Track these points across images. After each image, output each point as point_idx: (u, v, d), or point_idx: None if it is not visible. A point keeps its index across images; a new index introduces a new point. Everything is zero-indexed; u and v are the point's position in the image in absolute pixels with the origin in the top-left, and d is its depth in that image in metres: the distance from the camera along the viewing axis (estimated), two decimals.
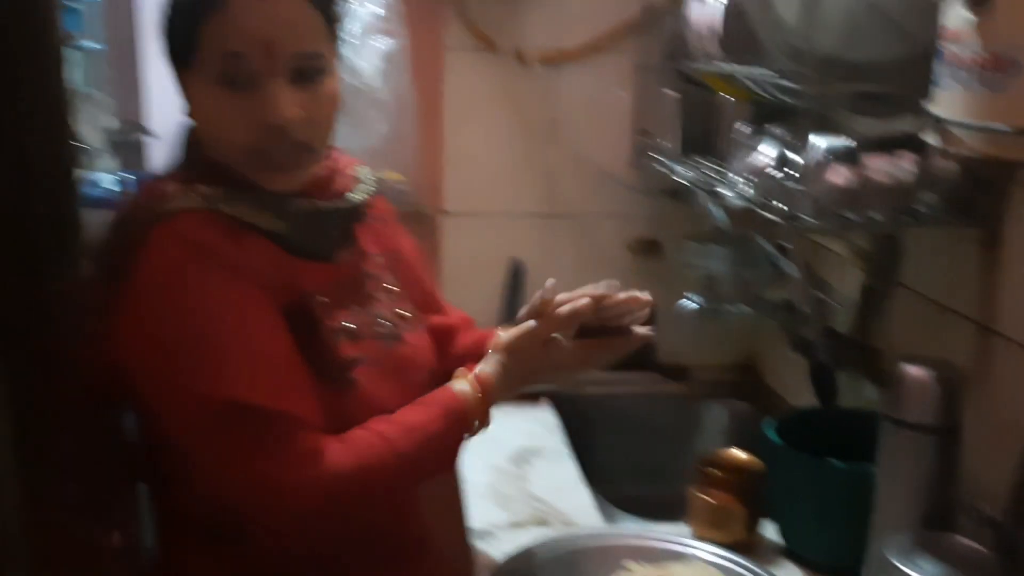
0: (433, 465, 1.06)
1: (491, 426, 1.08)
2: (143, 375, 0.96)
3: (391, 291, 1.16)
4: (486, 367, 1.08)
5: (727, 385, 2.27)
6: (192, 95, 1.01)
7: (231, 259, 0.97)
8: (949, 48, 1.03)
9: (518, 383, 1.10)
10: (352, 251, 1.12)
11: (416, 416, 1.03)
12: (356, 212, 1.12)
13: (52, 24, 1.53)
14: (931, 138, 1.10)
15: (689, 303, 1.99)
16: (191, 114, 1.03)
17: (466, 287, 2.16)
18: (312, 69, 0.99)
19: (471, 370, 1.08)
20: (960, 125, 1.02)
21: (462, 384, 1.07)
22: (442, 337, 1.26)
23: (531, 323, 1.10)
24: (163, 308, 0.95)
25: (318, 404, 0.98)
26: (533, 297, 1.13)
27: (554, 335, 1.10)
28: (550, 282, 1.13)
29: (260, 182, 1.02)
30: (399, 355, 1.11)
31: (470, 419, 1.05)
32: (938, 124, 1.07)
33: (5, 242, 1.49)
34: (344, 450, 0.96)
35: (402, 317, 1.15)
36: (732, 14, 1.67)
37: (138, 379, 0.97)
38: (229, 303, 0.96)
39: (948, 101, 1.04)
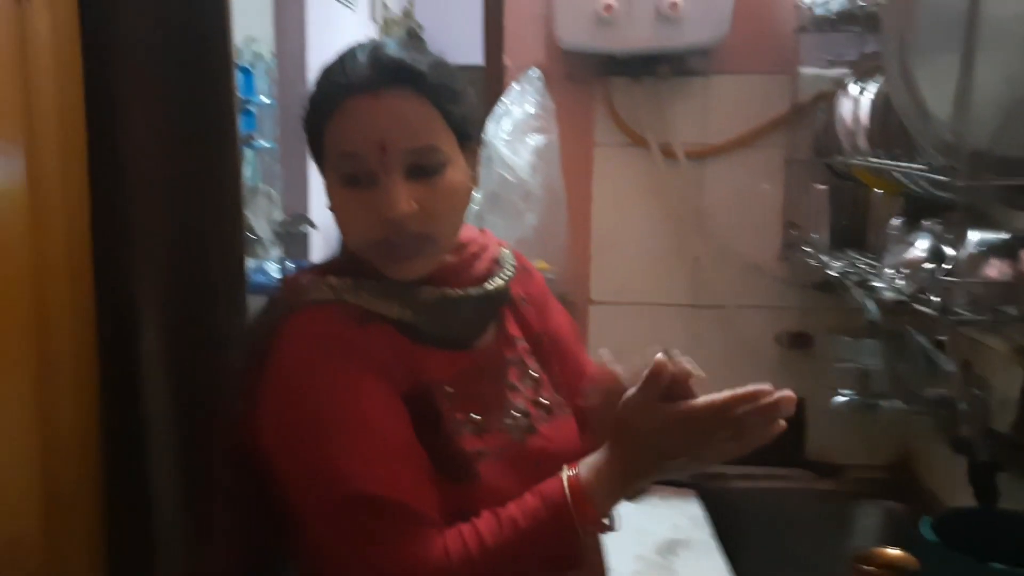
0: (534, 562, 0.97)
1: (635, 516, 1.03)
2: (277, 460, 1.00)
3: (534, 378, 1.13)
4: (587, 464, 0.99)
5: (880, 484, 2.20)
6: (327, 192, 1.06)
7: (355, 350, 0.99)
8: None
9: (626, 478, 0.98)
10: (492, 337, 1.11)
11: (515, 510, 0.97)
12: (492, 298, 1.10)
13: (232, 126, 1.70)
14: None
15: (841, 398, 1.96)
16: (330, 209, 1.09)
17: None
18: (429, 163, 1.01)
19: (574, 467, 0.99)
20: None
21: (565, 480, 0.98)
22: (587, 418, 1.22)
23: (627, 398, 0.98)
24: (293, 399, 0.99)
25: (437, 496, 0.98)
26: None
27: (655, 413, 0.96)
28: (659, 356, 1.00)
29: (386, 272, 1.04)
30: (531, 448, 1.08)
31: (572, 518, 0.96)
32: None
33: (184, 318, 1.64)
34: (452, 543, 0.95)
35: (541, 406, 1.12)
36: (881, 109, 1.69)
37: (274, 463, 1.01)
38: (352, 396, 0.98)
39: None
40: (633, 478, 0.98)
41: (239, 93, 2.82)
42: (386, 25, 4.63)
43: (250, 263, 2.94)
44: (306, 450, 0.98)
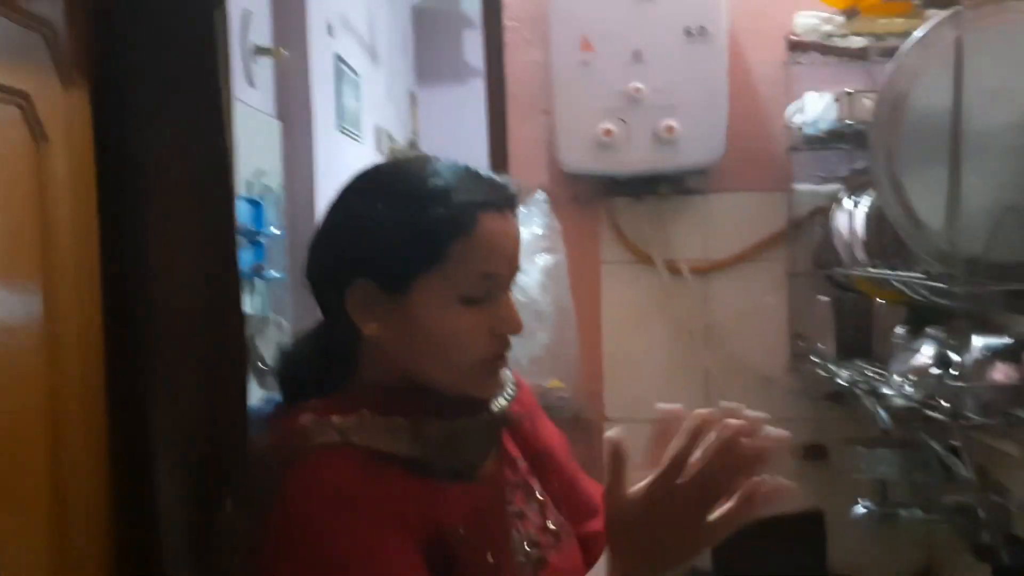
0: None
1: None
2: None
3: (539, 500, 1.08)
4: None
5: None
6: (415, 313, 0.97)
7: (368, 502, 0.92)
8: None
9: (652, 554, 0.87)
10: (494, 460, 1.06)
11: None
12: (497, 422, 1.06)
13: (233, 258, 1.75)
14: None
15: (861, 510, 1.94)
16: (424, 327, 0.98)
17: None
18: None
19: None
20: None
21: None
22: (598, 546, 1.14)
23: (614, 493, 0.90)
24: (304, 561, 0.92)
25: None
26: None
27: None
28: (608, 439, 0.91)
29: (478, 393, 1.01)
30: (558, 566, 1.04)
31: None
32: None
33: (194, 458, 1.66)
34: None
35: (549, 532, 1.07)
36: (875, 221, 1.74)
37: None
38: (368, 555, 0.91)
39: None
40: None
41: (249, 225, 2.90)
42: (391, 156, 4.77)
43: (260, 394, 2.96)
44: None
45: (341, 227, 1.00)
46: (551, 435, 1.17)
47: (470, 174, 0.99)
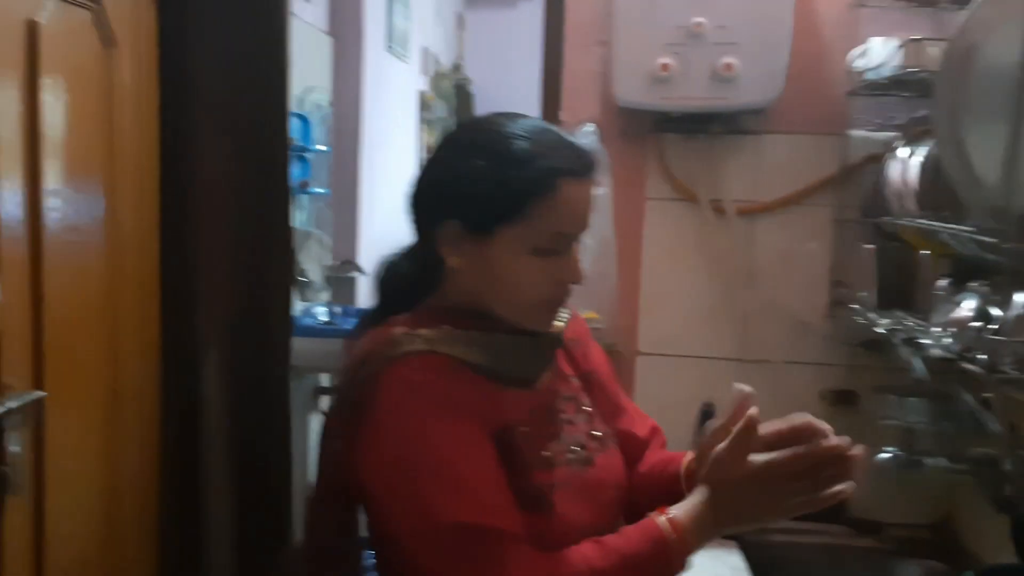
0: None
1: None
2: (384, 496, 1.09)
3: (586, 412, 1.22)
4: (684, 509, 1.05)
5: (921, 543, 2.20)
6: (494, 255, 1.10)
7: (450, 398, 1.08)
8: None
9: (716, 525, 1.05)
10: (550, 375, 1.21)
11: (617, 540, 1.07)
12: (554, 340, 1.21)
13: (284, 173, 1.78)
14: None
15: (886, 455, 1.97)
16: (474, 268, 1.12)
17: None
18: None
19: (663, 512, 1.06)
20: None
21: (663, 519, 1.05)
22: (631, 448, 1.30)
23: (724, 450, 1.04)
24: (397, 443, 1.07)
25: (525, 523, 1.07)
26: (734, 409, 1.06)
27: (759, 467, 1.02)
28: (740, 389, 1.06)
29: (536, 326, 1.16)
30: (590, 478, 1.17)
31: (670, 554, 1.03)
32: None
33: (238, 355, 1.71)
34: (555, 565, 1.03)
35: (595, 438, 1.21)
36: (930, 172, 1.73)
37: (379, 499, 1.10)
38: (451, 437, 1.06)
39: None
40: (722, 526, 1.05)
41: (297, 140, 2.93)
42: (437, 78, 4.75)
43: (300, 305, 3.02)
44: (416, 489, 1.05)
45: (442, 173, 1.15)
46: (599, 359, 1.32)
47: (556, 139, 1.12)
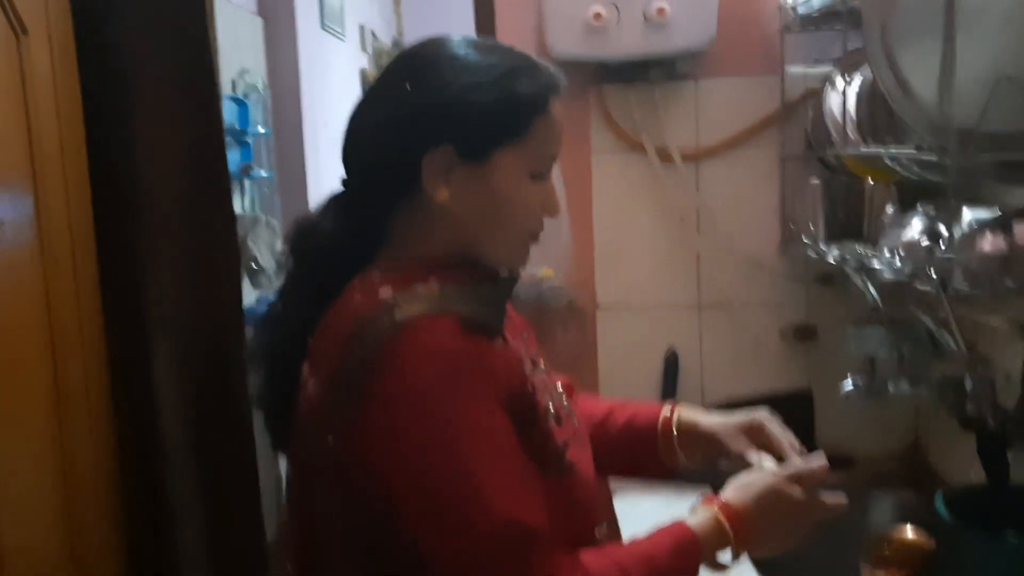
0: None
1: (648, 500, 1.09)
2: (396, 484, 0.94)
3: (543, 367, 1.14)
4: (737, 499, 1.04)
5: (893, 473, 2.22)
6: (502, 177, 1.01)
7: (473, 366, 0.95)
8: None
9: (771, 535, 1.06)
10: (511, 333, 1.12)
11: (647, 546, 1.00)
12: (511, 288, 1.11)
13: (221, 157, 1.73)
14: None
15: (849, 385, 1.99)
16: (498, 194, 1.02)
17: (622, 378, 2.24)
18: None
19: (711, 502, 1.04)
20: None
21: (701, 516, 1.02)
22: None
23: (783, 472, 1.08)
24: (422, 426, 0.92)
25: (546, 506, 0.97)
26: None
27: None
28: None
29: (512, 264, 1.07)
30: (581, 429, 1.11)
31: (706, 551, 1.01)
32: None
33: (188, 343, 1.67)
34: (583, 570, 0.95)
35: (562, 390, 1.14)
36: (867, 99, 1.73)
37: (390, 487, 0.94)
38: (480, 418, 0.94)
39: None
40: (763, 542, 1.06)
41: (236, 124, 2.87)
42: (377, 56, 4.69)
43: (253, 294, 2.97)
44: (438, 474, 0.92)
45: (424, 96, 1.00)
46: (516, 315, 1.21)
47: (529, 55, 1.04)
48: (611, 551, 0.99)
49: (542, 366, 1.12)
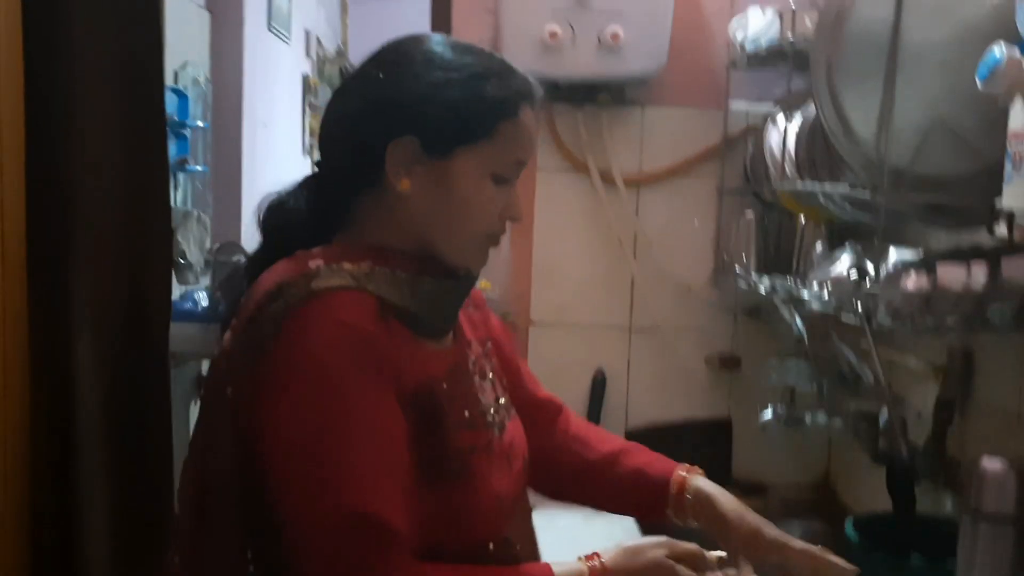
0: None
1: (572, 529, 1.08)
2: (281, 461, 0.95)
3: (491, 378, 1.15)
4: (616, 565, 1.01)
5: (804, 503, 2.29)
6: (460, 178, 1.03)
7: (374, 348, 0.96)
8: (1016, 148, 1.13)
9: None
10: (458, 337, 1.12)
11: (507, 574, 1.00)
12: (467, 289, 1.12)
13: (161, 150, 1.70)
14: (1000, 229, 1.18)
15: (768, 414, 2.05)
16: (420, 192, 1.03)
17: None
18: None
19: (591, 559, 1.01)
20: None
21: (570, 567, 1.00)
22: (542, 415, 1.28)
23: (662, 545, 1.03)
24: (305, 397, 0.94)
25: (418, 511, 0.97)
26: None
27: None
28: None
29: (471, 264, 1.08)
30: (505, 444, 1.11)
31: None
32: (1006, 216, 1.16)
33: (112, 333, 1.63)
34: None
35: (502, 405, 1.15)
36: (807, 137, 1.80)
37: (275, 463, 0.96)
38: (364, 407, 0.95)
39: (1016, 193, 1.13)
40: None
41: (174, 116, 2.84)
42: (320, 63, 4.68)
43: (179, 289, 2.92)
44: (305, 449, 0.94)
45: (394, 89, 1.03)
46: (497, 327, 1.25)
47: (508, 64, 1.06)
48: (468, 570, 1.00)
49: (490, 376, 1.14)
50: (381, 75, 1.04)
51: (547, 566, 1.00)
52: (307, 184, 1.11)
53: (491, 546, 1.04)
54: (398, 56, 1.06)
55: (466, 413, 1.05)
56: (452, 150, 1.02)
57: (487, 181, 1.03)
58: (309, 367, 0.94)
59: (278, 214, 1.10)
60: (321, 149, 1.10)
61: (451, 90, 1.02)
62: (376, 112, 1.03)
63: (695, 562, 1.02)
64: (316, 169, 1.11)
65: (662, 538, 1.03)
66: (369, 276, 1.00)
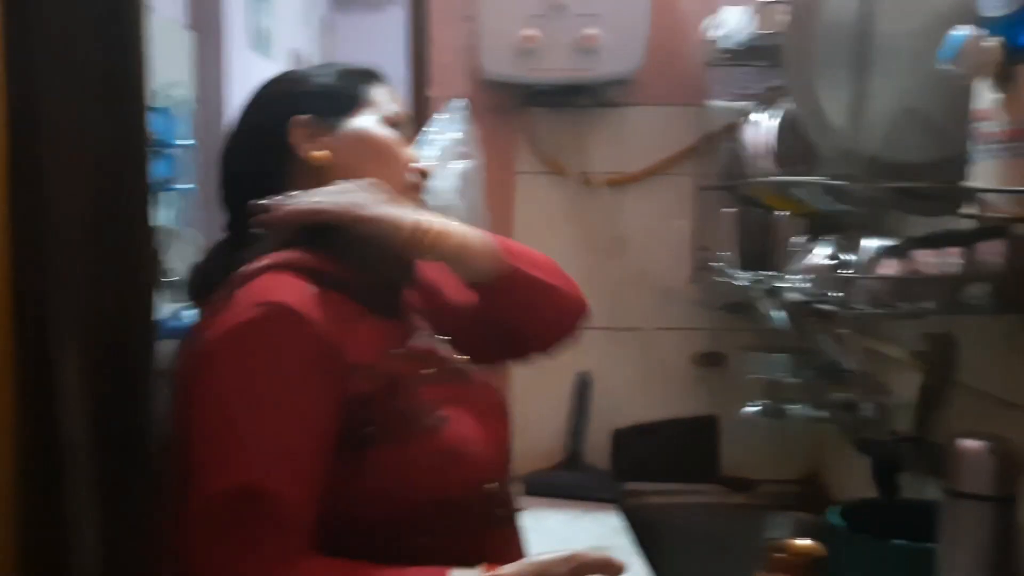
0: None
1: (558, 527, 1.10)
2: (182, 418, 1.01)
3: (442, 343, 1.22)
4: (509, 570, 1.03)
5: (791, 497, 2.29)
6: (355, 126, 1.21)
7: (309, 328, 0.99)
8: (980, 127, 1.15)
9: None
10: (406, 307, 1.22)
11: (396, 573, 1.00)
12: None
13: (143, 169, 1.71)
14: (969, 208, 1.20)
15: (752, 408, 2.06)
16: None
17: (534, 400, 2.26)
18: None
19: (491, 569, 1.02)
20: (993, 191, 1.12)
21: (467, 572, 1.01)
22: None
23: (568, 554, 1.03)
24: (224, 365, 0.99)
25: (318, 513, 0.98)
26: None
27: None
28: None
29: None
30: (474, 393, 1.17)
31: None
32: (974, 195, 1.18)
33: (97, 351, 1.62)
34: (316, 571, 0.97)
35: (457, 370, 1.20)
36: (784, 131, 1.82)
37: (181, 418, 1.01)
38: (277, 383, 0.98)
39: (982, 173, 1.15)
40: None
41: (159, 136, 2.85)
42: None
43: (168, 308, 2.92)
44: (208, 416, 0.98)
45: (279, 90, 1.24)
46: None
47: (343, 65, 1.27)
48: (355, 566, 1.00)
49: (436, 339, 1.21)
50: (259, 97, 1.24)
51: (444, 571, 1.00)
52: (222, 242, 1.20)
53: (487, 487, 1.09)
54: (259, 93, 1.25)
55: (429, 371, 1.11)
56: (345, 114, 1.18)
57: (383, 125, 1.19)
58: (232, 338, 1.00)
59: (207, 270, 1.21)
60: (226, 200, 1.21)
61: (322, 75, 1.22)
62: (267, 109, 1.21)
63: (606, 571, 1.02)
64: (226, 231, 1.20)
65: (568, 552, 1.02)
66: (319, 258, 1.08)
